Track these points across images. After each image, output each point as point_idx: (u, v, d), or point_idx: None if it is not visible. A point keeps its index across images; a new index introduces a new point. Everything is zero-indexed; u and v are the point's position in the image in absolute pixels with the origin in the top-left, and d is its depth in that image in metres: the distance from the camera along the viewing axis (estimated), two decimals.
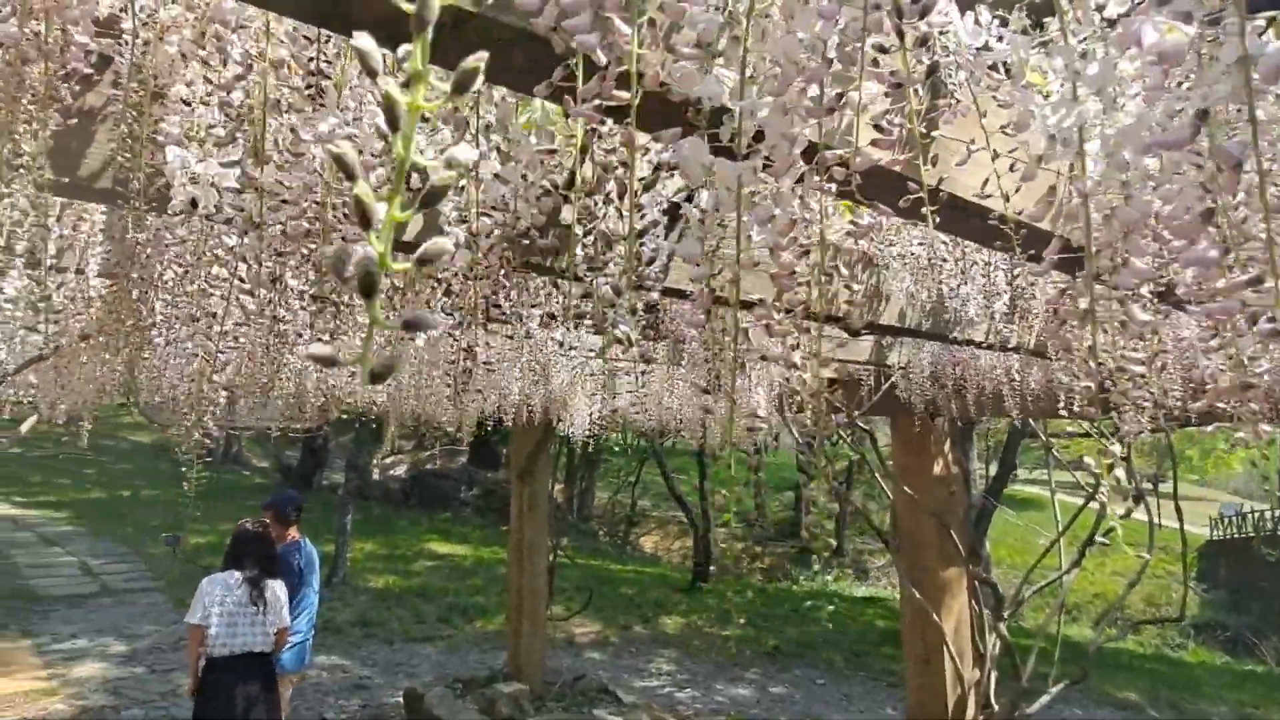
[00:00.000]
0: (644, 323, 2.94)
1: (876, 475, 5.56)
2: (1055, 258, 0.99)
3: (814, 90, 0.73)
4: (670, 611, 14.15)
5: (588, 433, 6.07)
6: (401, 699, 8.31)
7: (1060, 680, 4.91)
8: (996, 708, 4.69)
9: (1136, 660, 15.40)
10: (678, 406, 5.05)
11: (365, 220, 0.36)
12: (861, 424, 4.85)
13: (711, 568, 17.49)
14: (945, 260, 2.50)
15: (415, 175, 1.40)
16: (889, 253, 2.64)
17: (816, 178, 0.75)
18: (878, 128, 0.69)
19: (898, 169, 1.13)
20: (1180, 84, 0.62)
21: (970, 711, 4.73)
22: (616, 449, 23.53)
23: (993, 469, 15.09)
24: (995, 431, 14.20)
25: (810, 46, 0.71)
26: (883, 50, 0.75)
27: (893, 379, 4.26)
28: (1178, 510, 4.61)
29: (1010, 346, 2.74)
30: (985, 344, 2.86)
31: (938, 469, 4.85)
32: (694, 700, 9.81)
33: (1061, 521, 5.10)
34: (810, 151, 0.76)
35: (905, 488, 4.87)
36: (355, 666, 10.06)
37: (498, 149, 1.30)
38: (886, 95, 0.91)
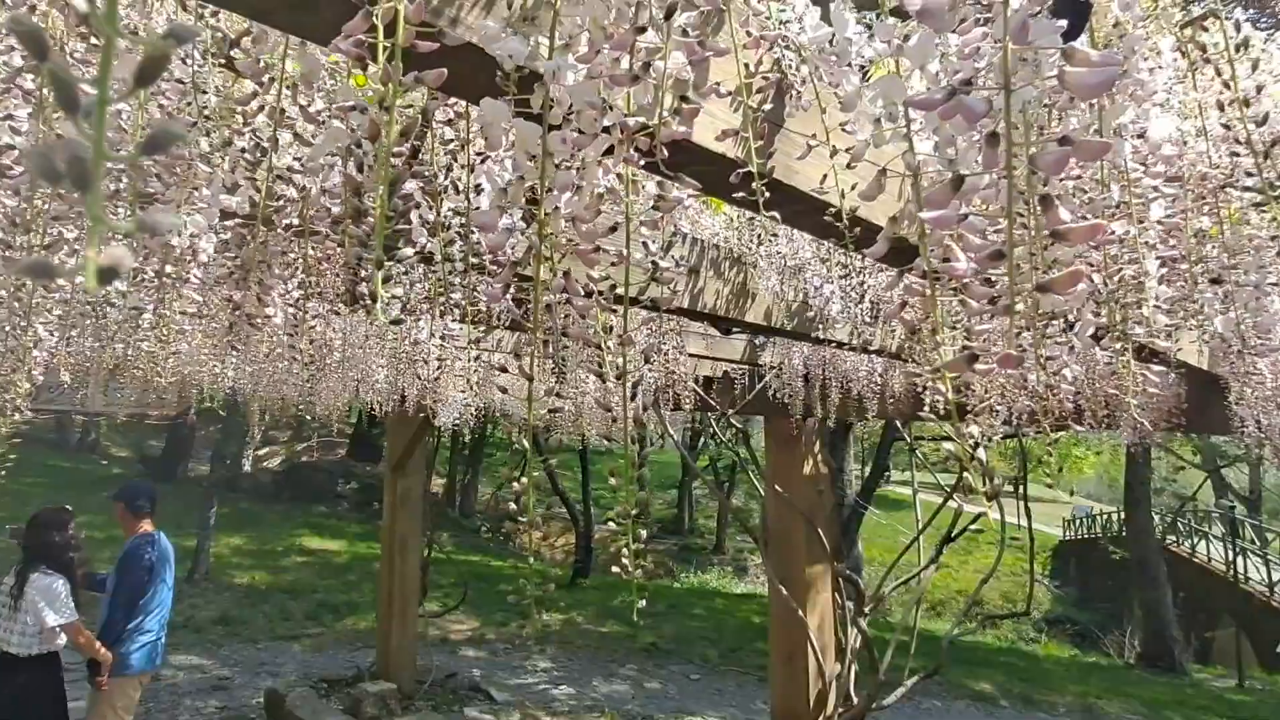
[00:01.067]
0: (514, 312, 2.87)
1: (750, 474, 5.66)
2: (884, 250, 0.99)
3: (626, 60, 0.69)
4: (549, 609, 14.06)
5: (464, 425, 5.93)
6: (262, 700, 7.93)
7: (916, 673, 5.11)
8: (855, 700, 4.84)
9: (992, 654, 16.28)
10: (555, 401, 4.99)
11: (69, 104, 0.30)
12: (737, 423, 4.92)
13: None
14: (811, 261, 2.54)
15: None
16: (759, 252, 2.66)
17: (632, 151, 0.72)
18: (684, 99, 0.66)
19: (734, 157, 1.11)
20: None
21: (830, 705, 4.86)
22: (502, 443, 23.24)
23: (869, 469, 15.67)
24: (871, 433, 14.76)
25: (620, 14, 0.67)
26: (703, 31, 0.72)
27: (766, 379, 4.33)
28: (1026, 511, 4.88)
29: (871, 349, 2.81)
30: (849, 345, 2.93)
31: (808, 469, 4.97)
32: (569, 697, 9.76)
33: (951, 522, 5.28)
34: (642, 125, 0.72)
35: (776, 486, 4.97)
36: (215, 666, 9.56)
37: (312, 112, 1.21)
38: (726, 94, 0.88)
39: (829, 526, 4.95)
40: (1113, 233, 1.03)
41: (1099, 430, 3.75)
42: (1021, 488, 5.32)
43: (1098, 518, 26.53)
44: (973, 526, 4.81)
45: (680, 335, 3.66)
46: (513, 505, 0.74)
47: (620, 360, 0.72)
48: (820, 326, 2.72)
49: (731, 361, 4.28)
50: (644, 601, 0.77)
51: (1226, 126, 1.02)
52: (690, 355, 4.04)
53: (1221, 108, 1.03)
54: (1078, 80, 0.51)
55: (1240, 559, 18.90)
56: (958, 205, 0.54)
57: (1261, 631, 16.43)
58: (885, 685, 4.87)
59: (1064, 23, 0.81)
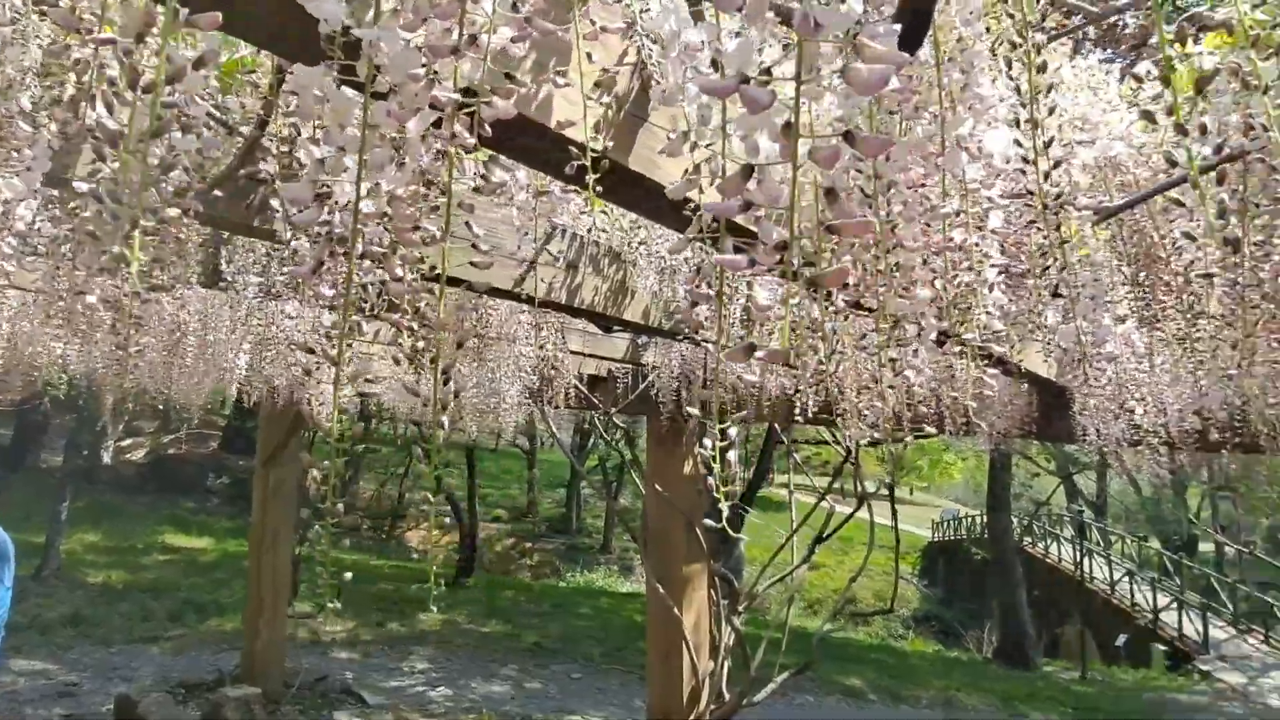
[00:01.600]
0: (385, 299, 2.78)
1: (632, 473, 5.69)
2: (731, 246, 1.00)
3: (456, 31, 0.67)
4: (429, 608, 13.77)
5: (337, 418, 5.70)
6: (112, 707, 7.44)
7: (787, 669, 5.24)
8: (728, 697, 4.92)
9: (863, 650, 16.93)
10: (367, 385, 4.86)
11: None
12: (621, 422, 4.93)
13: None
14: (689, 258, 2.56)
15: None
16: (639, 250, 2.67)
17: (458, 127, 0.69)
18: (509, 75, 0.64)
19: (591, 146, 1.10)
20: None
21: (703, 702, 4.94)
22: (387, 438, 22.62)
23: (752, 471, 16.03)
24: (756, 435, 15.09)
25: None
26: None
27: (650, 379, 4.35)
28: (893, 513, 5.08)
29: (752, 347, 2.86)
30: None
31: (687, 468, 5.03)
32: (446, 699, 9.57)
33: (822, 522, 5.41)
34: (462, 103, 0.70)
35: (656, 486, 5.00)
36: (61, 671, 8.90)
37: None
38: (578, 79, 0.86)
39: (706, 527, 5.02)
40: (950, 240, 1.07)
41: (958, 436, 3.96)
42: (890, 490, 5.53)
43: (963, 520, 27.98)
44: (843, 528, 4.97)
45: (561, 332, 3.63)
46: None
47: (438, 345, 0.69)
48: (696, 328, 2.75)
49: (614, 360, 4.28)
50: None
51: (1019, 143, 1.08)
52: (572, 353, 4.02)
53: (1018, 123, 1.08)
54: (857, 76, 0.51)
55: (1087, 560, 20.34)
56: (739, 195, 0.54)
57: (1104, 627, 17.70)
58: (757, 682, 4.98)
59: (898, 26, 0.83)
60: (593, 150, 1.14)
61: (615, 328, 3.52)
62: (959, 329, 1.25)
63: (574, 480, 26.71)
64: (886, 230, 1.04)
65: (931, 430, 3.98)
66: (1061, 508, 25.81)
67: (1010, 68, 1.03)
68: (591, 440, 20.58)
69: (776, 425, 5.75)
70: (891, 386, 1.26)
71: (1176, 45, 1.63)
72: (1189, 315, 1.69)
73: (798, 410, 3.58)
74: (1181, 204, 1.40)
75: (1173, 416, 3.11)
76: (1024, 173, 1.38)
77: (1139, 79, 1.52)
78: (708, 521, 4.96)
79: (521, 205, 1.87)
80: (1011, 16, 1.03)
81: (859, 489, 4.73)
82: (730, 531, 1.35)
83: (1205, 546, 24.62)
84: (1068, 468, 21.82)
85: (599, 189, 1.07)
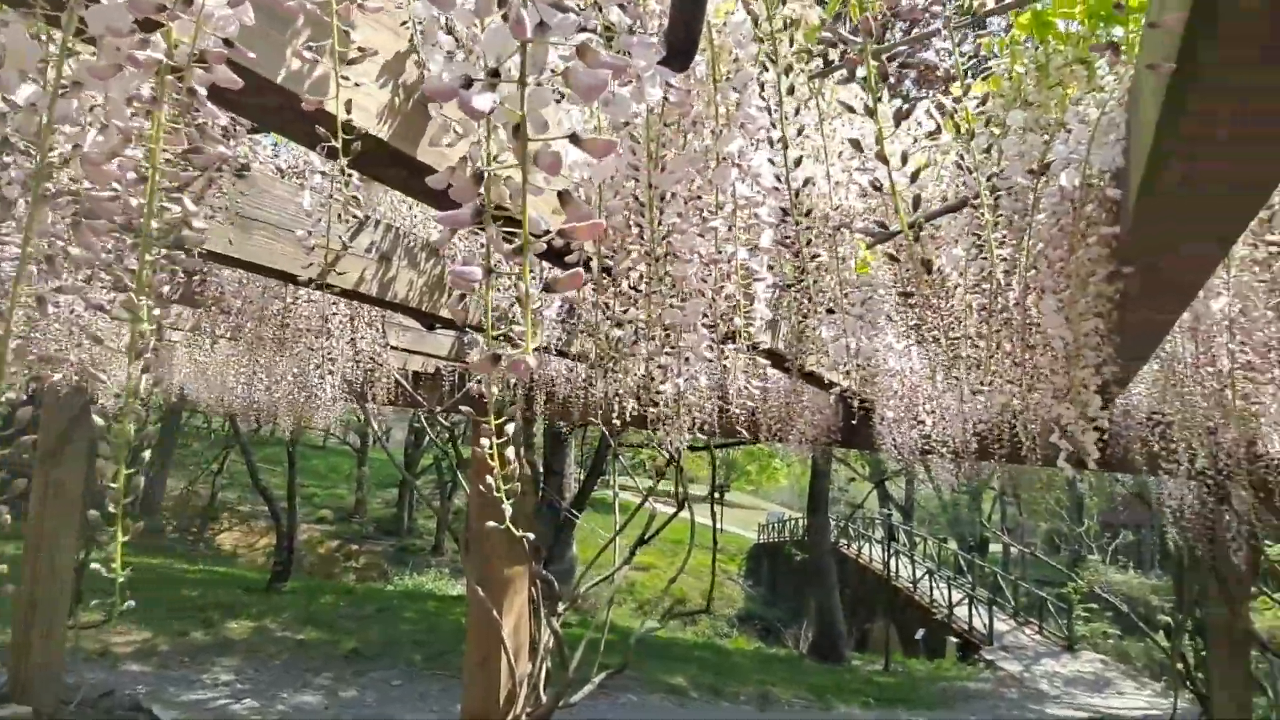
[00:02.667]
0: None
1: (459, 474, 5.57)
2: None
3: None
4: (239, 615, 12.90)
5: (131, 410, 5.24)
6: None
7: (605, 670, 5.29)
8: (544, 699, 4.91)
9: (688, 649, 17.40)
10: (245, 387, 4.57)
11: None
12: (444, 421, 4.81)
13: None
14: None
15: None
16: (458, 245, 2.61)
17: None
18: (226, 41, 0.60)
19: (377, 135, 1.06)
20: None
21: (519, 704, 4.89)
22: (200, 432, 21.07)
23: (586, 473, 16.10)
24: (592, 438, 15.18)
25: None
26: None
27: (478, 378, 4.27)
28: (713, 515, 5.24)
29: (562, 352, 2.86)
30: (547, 348, 2.96)
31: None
32: (253, 712, 9.00)
33: (645, 524, 5.48)
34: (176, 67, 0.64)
35: (480, 486, 4.92)
36: None
37: None
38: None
39: (529, 527, 4.99)
40: (719, 253, 1.10)
41: (770, 443, 4.15)
42: (712, 493, 5.71)
43: (787, 523, 29.36)
44: (673, 531, 5.08)
45: (382, 326, 3.50)
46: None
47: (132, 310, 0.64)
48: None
49: (438, 358, 4.17)
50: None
51: (771, 161, 1.13)
52: (393, 348, 3.89)
53: (778, 143, 1.13)
54: (576, 80, 0.51)
55: (894, 560, 21.87)
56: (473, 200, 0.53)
57: (907, 622, 19.06)
58: (576, 683, 4.99)
59: (653, 40, 0.85)
60: (371, 135, 1.09)
61: (437, 324, 3.43)
62: (733, 342, 1.30)
63: (406, 480, 25.88)
64: (660, 241, 1.06)
65: (747, 437, 4.14)
66: (874, 511, 27.62)
67: (762, 90, 1.08)
68: (426, 438, 20.02)
69: (604, 428, 5.80)
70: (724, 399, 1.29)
71: (954, 88, 1.76)
72: (952, 337, 1.83)
73: (615, 415, 3.61)
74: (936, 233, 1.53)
75: (955, 429, 3.39)
76: (809, 195, 1.45)
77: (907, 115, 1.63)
78: (497, 526, 4.93)
79: (318, 189, 1.78)
80: (763, 41, 1.08)
81: (679, 492, 4.85)
82: (514, 530, 1.33)
83: (995, 547, 27.05)
84: (880, 474, 23.41)
85: (385, 180, 1.03)
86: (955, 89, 1.74)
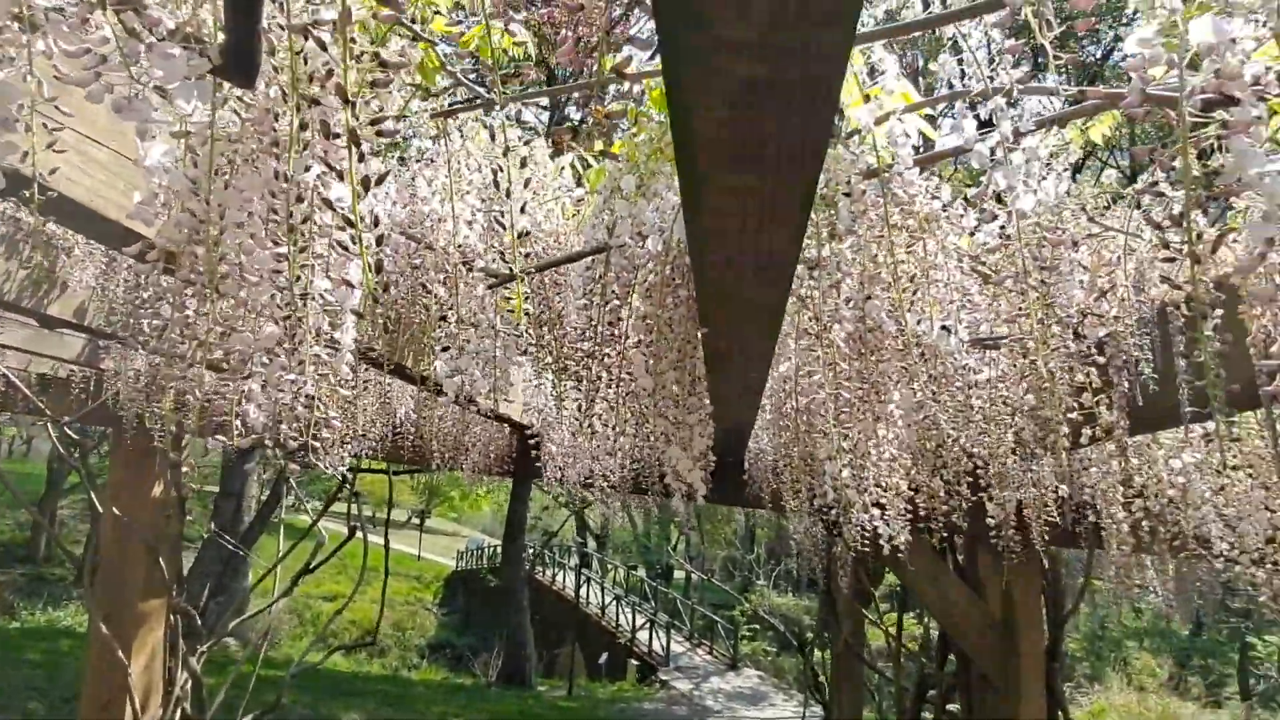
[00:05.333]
0: None
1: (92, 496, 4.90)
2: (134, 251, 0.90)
3: None
4: None
5: None
6: None
7: (254, 710, 4.86)
8: None
9: (371, 682, 16.61)
10: None
11: None
12: (72, 432, 4.19)
13: None
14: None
15: None
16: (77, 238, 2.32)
17: None
18: None
19: None
20: None
21: None
22: None
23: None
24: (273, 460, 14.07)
25: None
26: None
27: (113, 386, 3.79)
28: (385, 544, 5.07)
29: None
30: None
31: (157, 490, 4.47)
32: None
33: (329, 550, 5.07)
34: None
35: (116, 510, 4.35)
36: None
37: None
38: None
39: (172, 557, 4.50)
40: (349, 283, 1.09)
41: (445, 470, 4.12)
42: (386, 520, 5.52)
43: (486, 550, 29.18)
44: (368, 557, 4.80)
45: None
46: None
47: None
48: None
49: (66, 361, 3.65)
50: None
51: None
52: (5, 347, 3.35)
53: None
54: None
55: (586, 586, 22.57)
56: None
57: (593, 647, 19.70)
58: None
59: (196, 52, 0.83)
60: None
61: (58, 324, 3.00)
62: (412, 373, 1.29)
63: (49, 497, 22.08)
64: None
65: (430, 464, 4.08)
66: (571, 538, 28.34)
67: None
68: (77, 452, 17.21)
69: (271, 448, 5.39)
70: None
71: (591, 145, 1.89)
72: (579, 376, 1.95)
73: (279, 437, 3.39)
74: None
75: (613, 464, 3.60)
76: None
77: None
78: (131, 553, 4.45)
79: None
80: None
81: (350, 517, 4.64)
82: (155, 559, 1.19)
83: (680, 574, 28.91)
84: (576, 502, 24.11)
85: None
86: (599, 144, 1.88)
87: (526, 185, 1.20)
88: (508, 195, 1.16)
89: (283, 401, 1.33)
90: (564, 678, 18.33)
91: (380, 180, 1.40)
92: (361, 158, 0.91)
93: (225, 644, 12.57)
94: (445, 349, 1.47)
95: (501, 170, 1.41)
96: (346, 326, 1.17)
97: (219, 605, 12.22)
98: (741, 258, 1.11)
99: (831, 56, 0.64)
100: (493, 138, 1.21)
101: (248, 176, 1.00)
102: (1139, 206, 1.68)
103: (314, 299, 1.06)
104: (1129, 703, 16.64)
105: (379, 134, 1.02)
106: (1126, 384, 1.59)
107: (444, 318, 1.47)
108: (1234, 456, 2.24)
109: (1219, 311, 1.32)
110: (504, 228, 1.46)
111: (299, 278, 1.05)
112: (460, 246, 1.51)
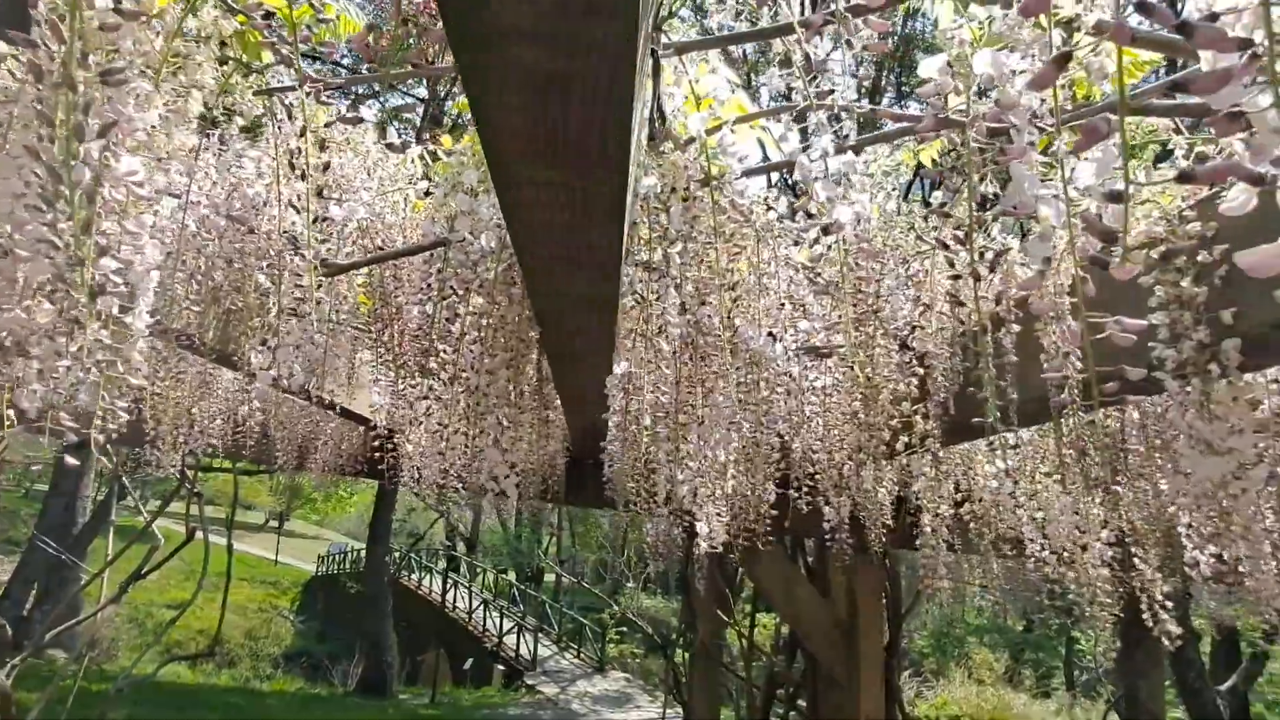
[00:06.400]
0: None
1: None
2: None
3: None
4: None
5: None
6: None
7: None
8: None
9: (219, 694, 15.71)
10: None
11: None
12: None
13: None
14: None
15: None
16: None
17: None
18: None
19: None
20: None
21: None
22: None
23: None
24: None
25: None
26: None
27: None
28: (229, 547, 4.79)
29: None
30: None
31: None
32: None
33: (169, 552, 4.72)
34: None
35: None
36: None
37: None
38: None
39: None
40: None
41: (289, 470, 3.93)
42: (230, 522, 5.22)
43: (349, 554, 28.17)
44: (210, 563, 4.49)
45: None
46: None
47: None
48: None
49: None
50: None
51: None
52: None
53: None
54: None
55: (453, 591, 22.12)
56: None
57: (460, 652, 19.31)
58: None
59: None
60: None
61: None
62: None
63: None
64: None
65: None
66: (439, 541, 27.68)
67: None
68: None
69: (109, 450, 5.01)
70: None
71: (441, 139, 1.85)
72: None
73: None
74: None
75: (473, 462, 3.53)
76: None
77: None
78: None
79: None
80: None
81: (189, 518, 4.36)
82: None
83: (551, 577, 28.73)
84: (436, 505, 23.57)
85: None
86: (447, 140, 1.84)
87: (327, 169, 1.15)
88: (302, 178, 1.11)
89: (72, 386, 1.22)
90: (428, 685, 17.89)
91: (194, 156, 1.32)
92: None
93: (52, 656, 11.61)
94: (264, 341, 1.39)
95: (300, 153, 1.34)
96: (139, 311, 1.09)
97: (43, 614, 11.24)
98: (564, 256, 1.10)
99: (617, 50, 0.64)
100: (290, 116, 1.15)
101: (20, 140, 0.91)
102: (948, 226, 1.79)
103: (99, 279, 0.98)
104: (969, 695, 17.72)
105: (104, 80, 0.94)
106: (941, 395, 1.68)
107: (265, 305, 1.40)
108: (1042, 464, 2.40)
109: (1016, 328, 1.41)
110: (328, 218, 1.40)
111: (80, 258, 0.96)
112: (285, 232, 1.44)
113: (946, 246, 0.87)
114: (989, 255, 0.88)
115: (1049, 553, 2.72)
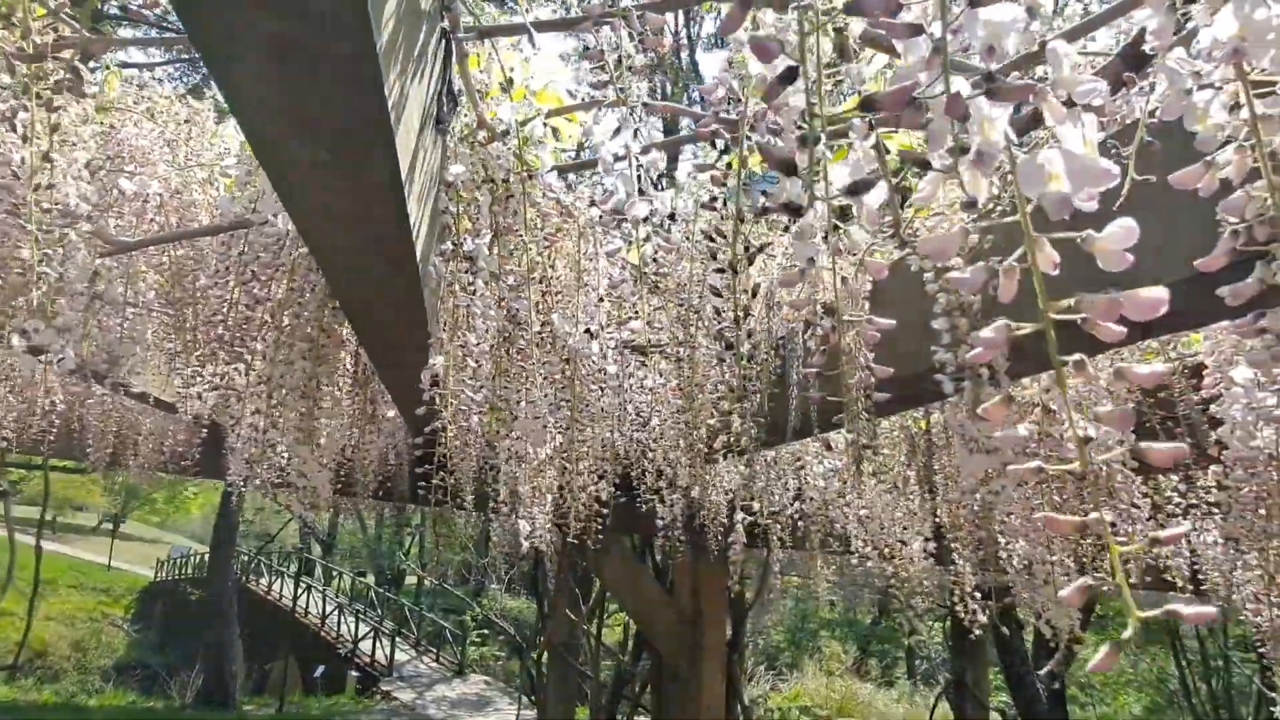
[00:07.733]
0: None
1: None
2: None
3: None
4: None
5: None
6: None
7: None
8: None
9: (38, 712, 14.45)
10: None
11: None
12: None
13: None
14: None
15: None
16: None
17: None
18: None
19: None
20: None
21: None
22: None
23: None
24: None
25: None
26: None
27: None
28: (37, 549, 4.38)
29: None
30: None
31: None
32: None
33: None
34: None
35: None
36: None
37: None
38: None
39: None
40: None
41: (100, 468, 3.63)
42: (40, 518, 4.78)
43: (192, 558, 26.47)
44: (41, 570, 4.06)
45: None
46: None
47: None
48: None
49: None
50: None
51: None
52: None
53: None
54: None
55: (306, 595, 21.16)
56: None
57: (313, 659, 18.48)
58: None
59: None
60: None
61: None
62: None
63: None
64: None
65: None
66: (291, 544, 26.37)
67: None
68: None
69: None
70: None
71: None
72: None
73: None
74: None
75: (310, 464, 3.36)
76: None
77: None
78: None
79: None
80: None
81: None
82: None
83: (412, 580, 27.88)
84: (280, 502, 22.41)
85: None
86: None
87: (109, 138, 1.05)
88: (25, 141, 1.02)
89: None
90: (275, 695, 17.02)
91: None
92: None
93: None
94: (26, 322, 1.27)
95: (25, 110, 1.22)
96: None
97: None
98: (352, 245, 1.06)
99: (351, 26, 0.61)
100: (12, 72, 1.05)
101: None
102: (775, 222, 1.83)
103: None
104: (820, 686, 18.47)
105: None
106: (755, 396, 1.72)
107: (26, 280, 1.27)
108: (867, 465, 2.51)
109: (820, 333, 1.46)
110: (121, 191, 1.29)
111: None
112: (58, 204, 1.32)
113: (711, 238, 0.89)
114: (751, 249, 0.90)
115: (871, 549, 2.86)
